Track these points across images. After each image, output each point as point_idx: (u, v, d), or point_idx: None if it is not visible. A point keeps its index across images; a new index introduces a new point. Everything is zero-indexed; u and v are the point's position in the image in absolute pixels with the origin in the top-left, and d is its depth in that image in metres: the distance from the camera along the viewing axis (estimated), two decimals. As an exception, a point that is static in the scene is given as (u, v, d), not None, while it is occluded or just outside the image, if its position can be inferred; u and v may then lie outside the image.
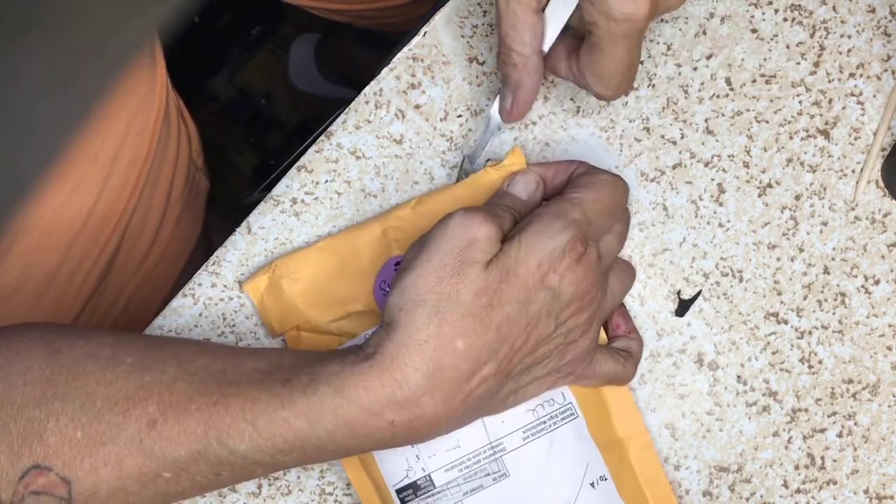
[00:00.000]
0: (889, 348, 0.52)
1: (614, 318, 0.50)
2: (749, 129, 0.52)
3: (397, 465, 0.47)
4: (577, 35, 0.47)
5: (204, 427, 0.41)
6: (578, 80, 0.47)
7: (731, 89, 0.52)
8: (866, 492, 0.51)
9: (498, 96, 0.49)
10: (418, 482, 0.46)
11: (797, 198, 0.52)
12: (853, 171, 0.52)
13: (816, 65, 0.53)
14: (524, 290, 0.43)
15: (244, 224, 0.53)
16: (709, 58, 0.53)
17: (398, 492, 0.47)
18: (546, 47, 0.46)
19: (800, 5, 0.53)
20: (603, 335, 0.49)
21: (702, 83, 0.52)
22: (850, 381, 0.51)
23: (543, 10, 0.45)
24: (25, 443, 0.41)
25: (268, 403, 0.41)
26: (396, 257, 0.50)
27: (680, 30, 0.53)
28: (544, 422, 0.47)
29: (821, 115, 0.52)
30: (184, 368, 0.42)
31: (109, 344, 0.43)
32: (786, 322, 0.52)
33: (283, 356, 0.43)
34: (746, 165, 0.52)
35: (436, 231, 0.43)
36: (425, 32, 0.53)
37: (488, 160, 0.52)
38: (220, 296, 0.52)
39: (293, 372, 0.42)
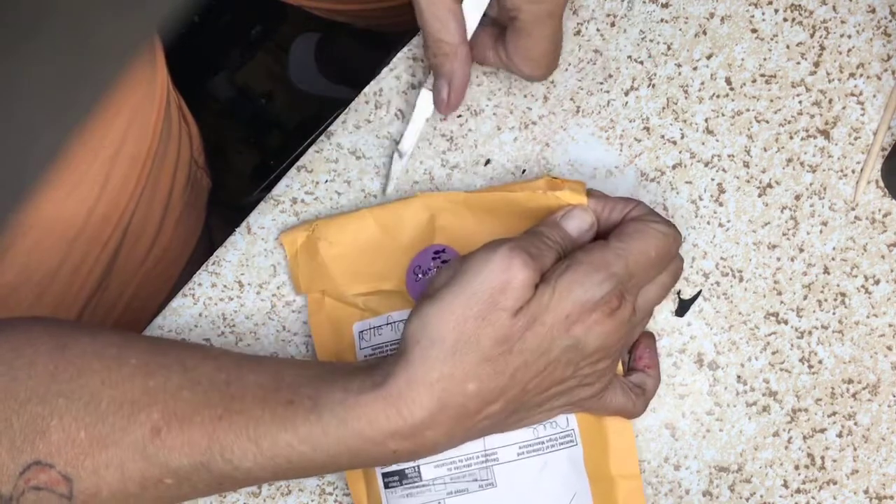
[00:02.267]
0: (889, 348, 0.52)
1: (639, 349, 0.49)
2: (749, 129, 0.52)
3: None
4: (496, 24, 0.48)
5: (208, 441, 0.41)
6: (507, 65, 0.48)
7: (731, 89, 0.52)
8: (866, 492, 0.51)
9: (422, 91, 0.49)
10: (406, 471, 0.47)
11: (797, 198, 0.52)
12: (853, 171, 0.52)
13: (816, 65, 0.53)
14: (547, 339, 0.42)
15: (244, 224, 0.53)
16: (709, 58, 0.53)
17: (384, 475, 0.47)
18: (469, 36, 0.47)
19: (800, 5, 0.53)
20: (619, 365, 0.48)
21: (702, 83, 0.53)
22: (850, 381, 0.51)
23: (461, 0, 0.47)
24: (28, 439, 0.40)
25: (271, 425, 0.41)
26: (437, 246, 0.50)
27: (680, 30, 0.53)
28: (542, 442, 0.47)
29: (821, 115, 0.52)
30: (188, 376, 0.42)
31: (115, 343, 0.43)
32: (786, 322, 0.52)
33: (285, 370, 0.43)
34: (746, 165, 0.52)
35: (472, 263, 0.42)
36: (425, 32, 0.53)
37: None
38: (220, 296, 0.52)
39: (295, 392, 0.42)
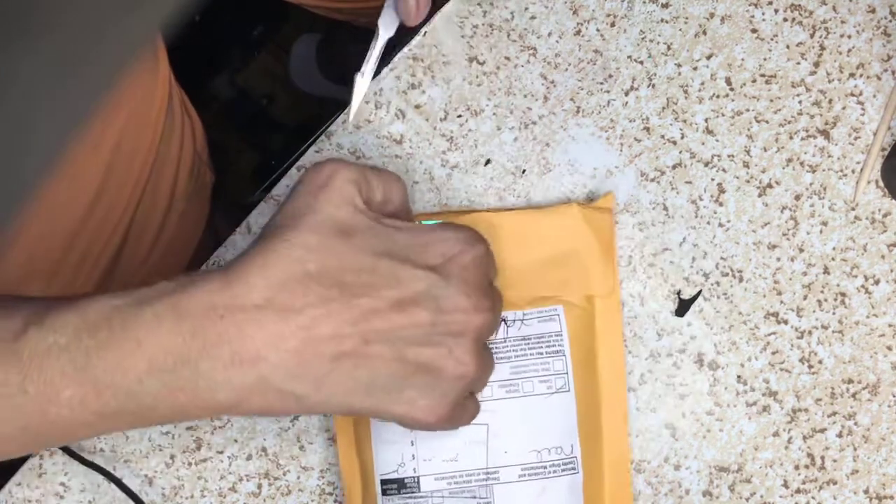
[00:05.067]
0: (889, 348, 0.52)
1: None
2: (749, 129, 0.52)
3: (391, 457, 0.47)
4: None
5: (26, 322, 0.38)
6: None
7: (731, 89, 0.52)
8: (866, 492, 0.51)
9: (385, 11, 0.49)
10: (406, 480, 0.47)
11: (797, 198, 0.52)
12: (853, 171, 0.52)
13: (816, 65, 0.53)
14: (403, 259, 0.40)
15: (244, 224, 0.53)
16: (709, 58, 0.53)
17: (383, 482, 0.47)
18: None
19: (800, 5, 0.53)
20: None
21: (702, 83, 0.53)
22: (850, 381, 0.51)
23: None
24: None
25: (103, 297, 0.38)
26: None
27: (680, 30, 0.53)
28: (545, 466, 0.47)
29: (821, 115, 0.52)
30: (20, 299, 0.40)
31: None
32: (786, 322, 0.52)
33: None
34: (746, 165, 0.52)
35: (295, 182, 0.42)
36: (425, 32, 0.53)
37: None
38: (220, 296, 0.53)
39: (142, 283, 0.40)
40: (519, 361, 0.48)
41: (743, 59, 0.53)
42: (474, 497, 0.46)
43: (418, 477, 0.46)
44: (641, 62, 0.53)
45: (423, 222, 0.47)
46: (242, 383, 0.38)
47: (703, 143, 0.52)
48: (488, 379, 0.45)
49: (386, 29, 0.50)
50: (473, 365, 0.42)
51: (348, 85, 0.51)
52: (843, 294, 0.52)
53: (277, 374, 0.38)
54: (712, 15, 0.53)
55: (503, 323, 0.49)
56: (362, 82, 0.51)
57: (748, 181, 0.52)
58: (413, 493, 0.47)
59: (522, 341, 0.49)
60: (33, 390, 0.38)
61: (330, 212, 0.40)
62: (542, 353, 0.48)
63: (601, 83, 0.53)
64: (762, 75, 0.53)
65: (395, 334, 0.40)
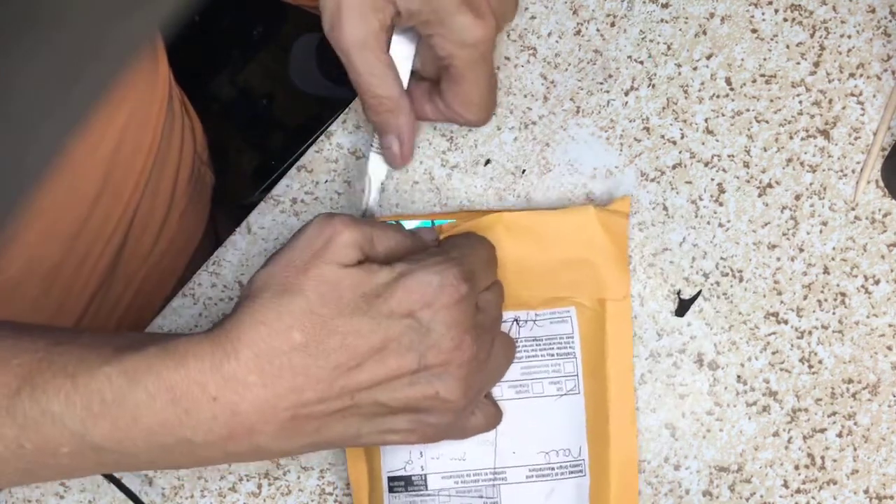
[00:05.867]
0: (889, 348, 0.52)
1: None
2: (749, 129, 0.52)
3: (399, 455, 0.47)
4: (423, 79, 0.48)
5: (20, 382, 0.38)
6: (447, 115, 0.47)
7: (731, 89, 0.53)
8: (866, 492, 0.51)
9: (370, 155, 0.49)
10: (413, 478, 0.47)
11: (797, 198, 0.52)
12: (853, 171, 0.52)
13: (816, 65, 0.53)
14: (385, 312, 0.40)
15: (244, 224, 0.53)
16: (709, 58, 0.53)
17: (391, 479, 0.47)
18: (405, 86, 0.47)
19: (800, 5, 0.53)
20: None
21: (702, 83, 0.53)
22: (850, 381, 0.51)
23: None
24: None
25: (94, 361, 0.38)
26: None
27: (680, 30, 0.53)
28: (553, 468, 0.47)
29: (821, 115, 0.52)
30: (16, 330, 0.40)
31: None
32: (786, 322, 0.52)
33: (130, 334, 0.41)
34: (746, 165, 0.52)
35: (297, 231, 0.42)
36: (425, 33, 0.53)
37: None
38: (220, 296, 0.52)
39: (131, 340, 0.40)
40: (530, 362, 0.48)
41: (743, 59, 0.53)
42: (481, 497, 0.46)
43: (425, 475, 0.46)
44: (641, 62, 0.53)
45: (439, 222, 0.48)
46: (237, 451, 0.40)
47: (703, 143, 0.52)
48: (487, 421, 0.47)
49: (377, 173, 0.49)
50: (463, 400, 0.43)
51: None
52: (843, 294, 0.52)
53: (272, 442, 0.40)
54: (712, 15, 0.53)
55: (515, 323, 0.49)
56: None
57: (748, 181, 0.52)
58: (420, 490, 0.47)
59: (534, 342, 0.49)
60: (31, 447, 0.39)
61: (320, 273, 0.40)
62: (552, 355, 0.49)
63: (601, 83, 0.53)
64: (762, 75, 0.53)
65: (381, 385, 0.41)
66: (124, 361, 0.39)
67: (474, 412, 0.45)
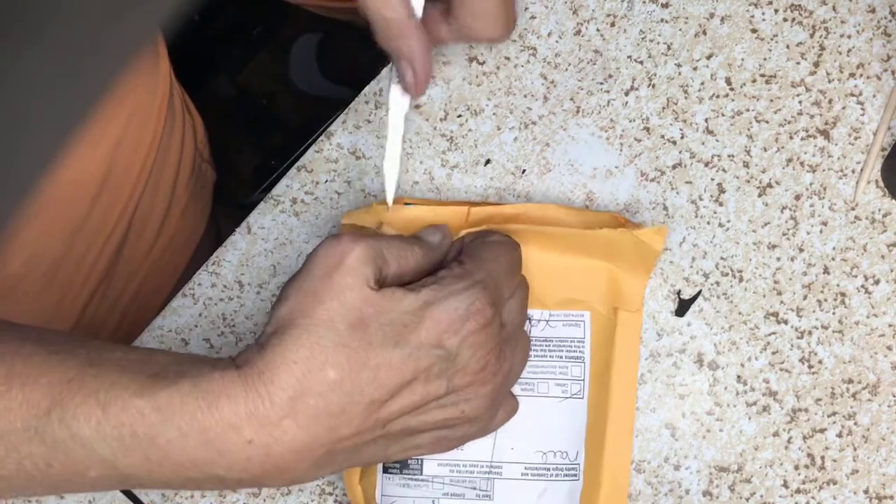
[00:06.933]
0: (889, 348, 0.52)
1: None
2: (749, 129, 0.52)
3: None
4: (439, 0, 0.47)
5: (50, 402, 0.38)
6: (464, 33, 0.46)
7: (731, 89, 0.52)
8: (866, 492, 0.51)
9: (391, 89, 0.47)
10: (409, 461, 0.47)
11: (797, 198, 0.52)
12: (853, 171, 0.52)
13: (816, 65, 0.53)
14: (413, 343, 0.40)
15: (244, 224, 0.53)
16: (709, 58, 0.53)
17: None
18: (419, 13, 0.45)
19: (800, 5, 0.53)
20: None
21: (702, 83, 0.53)
22: (850, 381, 0.51)
23: None
24: None
25: (126, 389, 0.38)
26: None
27: (680, 30, 0.53)
28: (548, 469, 0.47)
29: (821, 115, 0.52)
30: (46, 346, 0.39)
31: None
32: (786, 322, 0.52)
33: (156, 352, 0.41)
34: (746, 165, 0.52)
35: (308, 257, 0.41)
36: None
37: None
38: (220, 296, 0.52)
39: (162, 367, 0.39)
40: (538, 362, 0.48)
41: (743, 59, 0.53)
42: (474, 488, 0.46)
43: (422, 460, 0.47)
44: (641, 62, 0.53)
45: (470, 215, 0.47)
46: (272, 484, 0.40)
47: (703, 143, 0.52)
48: (507, 415, 0.47)
49: (397, 105, 0.47)
50: (487, 413, 0.44)
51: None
52: (843, 294, 0.52)
53: (304, 475, 0.40)
54: (712, 15, 0.53)
55: (528, 321, 0.48)
56: (391, 167, 0.47)
57: (748, 181, 0.52)
58: (415, 475, 0.47)
59: (544, 343, 0.49)
60: (59, 467, 0.38)
61: (344, 300, 0.40)
62: (561, 357, 0.49)
63: (601, 83, 0.53)
64: (762, 75, 0.53)
65: (411, 413, 0.41)
66: (157, 397, 0.38)
67: (496, 413, 0.46)
